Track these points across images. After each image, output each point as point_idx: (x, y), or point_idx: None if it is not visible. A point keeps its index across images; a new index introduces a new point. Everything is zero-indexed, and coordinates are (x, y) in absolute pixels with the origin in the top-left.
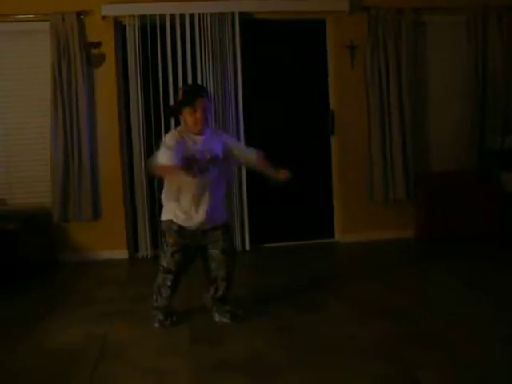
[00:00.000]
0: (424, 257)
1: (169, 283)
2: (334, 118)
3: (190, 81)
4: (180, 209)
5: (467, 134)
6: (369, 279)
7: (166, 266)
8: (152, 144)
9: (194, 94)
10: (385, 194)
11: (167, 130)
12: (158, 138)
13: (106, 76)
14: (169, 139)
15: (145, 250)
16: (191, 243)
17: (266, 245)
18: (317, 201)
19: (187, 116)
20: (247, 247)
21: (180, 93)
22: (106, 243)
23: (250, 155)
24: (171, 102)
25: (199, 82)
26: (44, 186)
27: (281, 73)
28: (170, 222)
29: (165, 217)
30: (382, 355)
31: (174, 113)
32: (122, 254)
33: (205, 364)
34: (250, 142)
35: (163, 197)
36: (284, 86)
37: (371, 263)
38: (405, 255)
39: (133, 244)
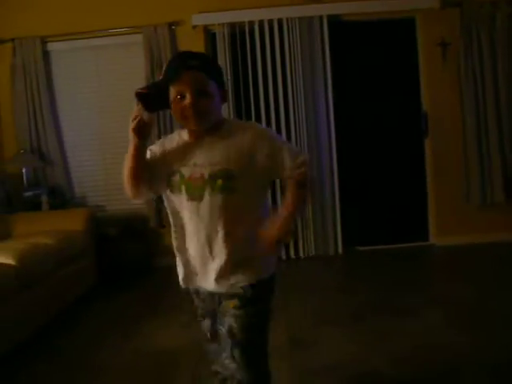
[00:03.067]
0: None
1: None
2: (427, 120)
3: (280, 87)
4: (180, 264)
5: None
6: (467, 284)
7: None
8: None
9: (178, 65)
10: (482, 196)
11: None
12: None
13: None
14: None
15: None
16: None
17: (358, 248)
18: (411, 203)
19: (172, 104)
20: (340, 250)
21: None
22: None
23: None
24: (262, 110)
25: (289, 87)
26: None
27: (371, 74)
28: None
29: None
30: (482, 366)
31: (150, 99)
32: None
33: (302, 368)
34: (341, 146)
35: None
36: (374, 88)
37: (468, 267)
38: (504, 259)
39: None
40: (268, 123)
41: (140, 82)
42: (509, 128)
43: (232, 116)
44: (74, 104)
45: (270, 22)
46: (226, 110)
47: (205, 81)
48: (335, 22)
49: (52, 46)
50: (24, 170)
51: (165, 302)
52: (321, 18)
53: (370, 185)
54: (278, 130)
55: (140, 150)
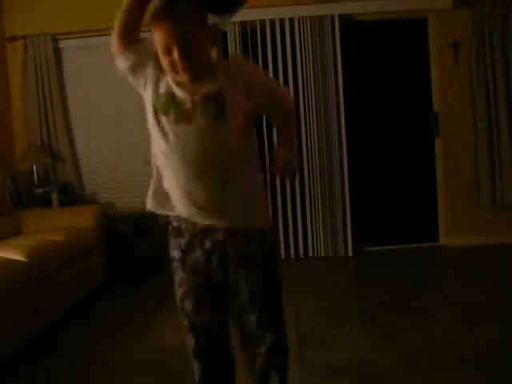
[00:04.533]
0: None
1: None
2: (438, 120)
3: (291, 87)
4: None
5: None
6: (476, 285)
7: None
8: None
9: (158, 13)
10: (492, 197)
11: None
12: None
13: None
14: None
15: None
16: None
17: (367, 248)
18: (421, 203)
19: (160, 56)
20: (350, 250)
21: None
22: None
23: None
24: None
25: (300, 87)
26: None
27: (382, 74)
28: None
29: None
30: (491, 365)
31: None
32: None
33: (313, 368)
34: (351, 146)
35: None
36: (386, 88)
37: (478, 268)
38: None
39: None
40: None
41: None
42: None
43: None
44: (84, 101)
45: (282, 20)
46: None
47: (191, 29)
48: (347, 22)
49: (63, 44)
50: (35, 167)
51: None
52: (332, 17)
53: (381, 185)
54: None
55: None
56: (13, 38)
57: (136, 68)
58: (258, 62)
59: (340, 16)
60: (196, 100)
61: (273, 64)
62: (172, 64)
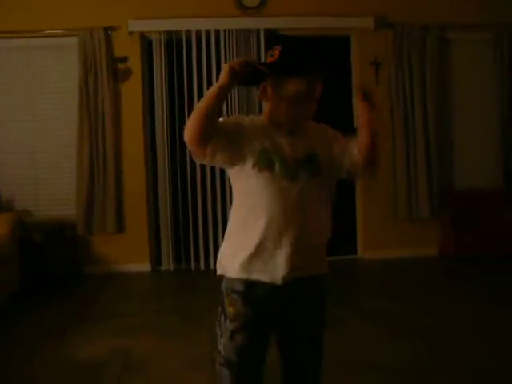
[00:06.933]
0: (448, 275)
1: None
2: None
3: None
4: (245, 246)
5: (493, 152)
6: (392, 297)
7: (222, 352)
8: (176, 159)
9: (314, 63)
10: (408, 211)
11: None
12: (183, 153)
13: (132, 91)
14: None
15: (167, 264)
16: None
17: None
18: (340, 217)
19: (287, 99)
20: None
21: (276, 52)
22: (129, 256)
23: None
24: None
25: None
26: (69, 199)
27: None
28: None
29: (221, 268)
30: (407, 378)
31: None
32: (144, 267)
33: None
34: None
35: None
36: None
37: (395, 280)
38: (429, 273)
39: (156, 257)
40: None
41: (73, 84)
42: (436, 146)
43: (165, 124)
44: (3, 104)
45: (207, 32)
46: (161, 119)
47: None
48: (272, 36)
49: None
50: None
51: (92, 311)
52: (258, 31)
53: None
54: None
55: (224, 92)
56: None
57: (234, 150)
58: (182, 72)
59: (265, 30)
60: (298, 158)
61: (198, 74)
62: (296, 113)
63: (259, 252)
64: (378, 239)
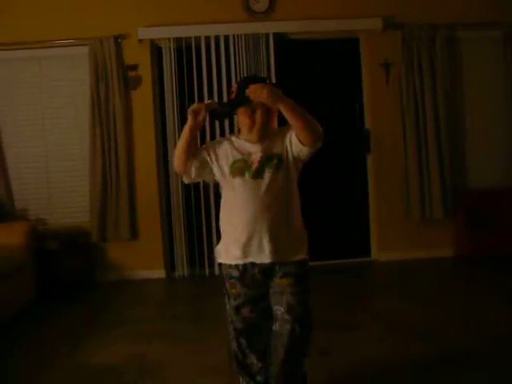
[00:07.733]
0: (463, 275)
1: (245, 349)
2: (369, 137)
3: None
4: (233, 238)
5: (505, 150)
6: (408, 299)
7: (233, 326)
8: None
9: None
10: (422, 212)
11: None
12: None
13: (143, 98)
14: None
15: (181, 269)
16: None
17: None
18: (353, 219)
19: (241, 118)
20: None
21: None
22: (143, 263)
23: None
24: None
25: None
26: (83, 207)
27: (316, 92)
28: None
29: (219, 258)
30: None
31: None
32: (159, 273)
33: None
34: None
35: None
36: (319, 105)
37: (409, 282)
38: (444, 274)
39: (170, 263)
40: (213, 138)
41: (84, 93)
42: (448, 145)
43: (176, 130)
44: (15, 115)
45: (217, 38)
46: (172, 126)
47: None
48: (282, 40)
49: None
50: None
51: (106, 318)
52: (267, 35)
53: (313, 200)
54: None
55: (193, 131)
56: None
57: (204, 164)
58: (192, 79)
59: (275, 34)
60: (262, 159)
61: (208, 81)
62: (251, 124)
63: (245, 242)
64: (392, 241)
